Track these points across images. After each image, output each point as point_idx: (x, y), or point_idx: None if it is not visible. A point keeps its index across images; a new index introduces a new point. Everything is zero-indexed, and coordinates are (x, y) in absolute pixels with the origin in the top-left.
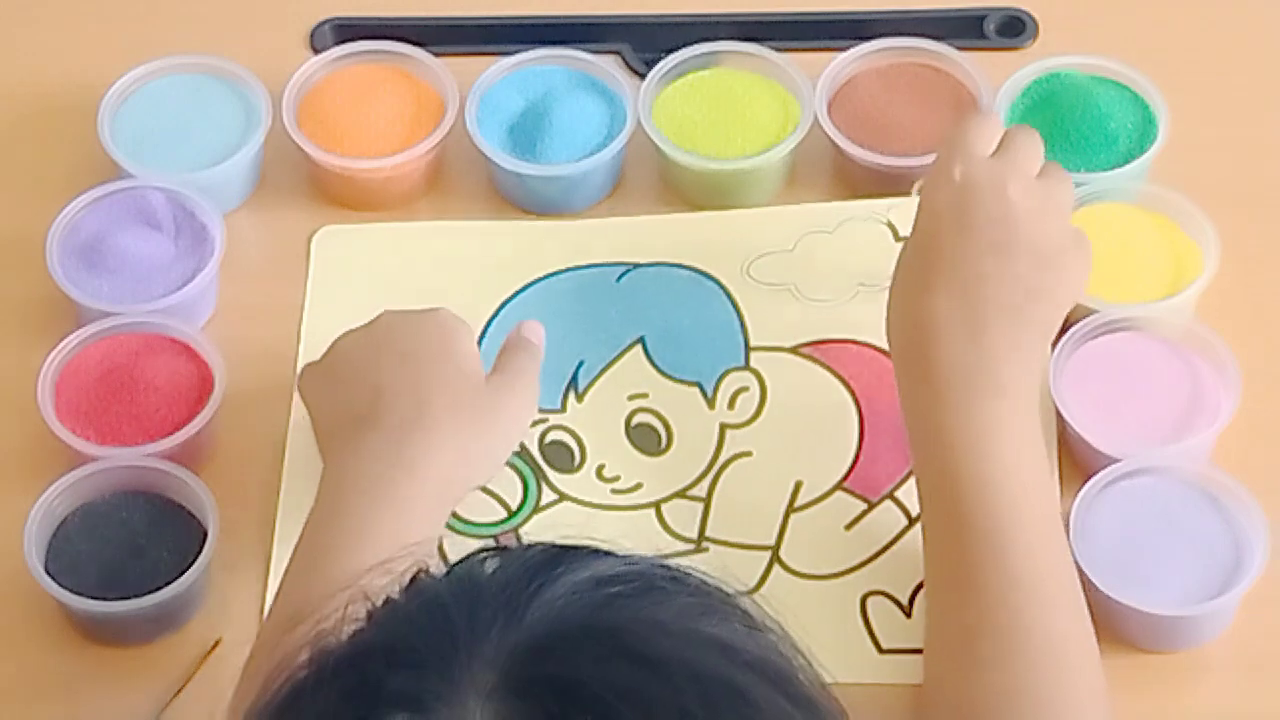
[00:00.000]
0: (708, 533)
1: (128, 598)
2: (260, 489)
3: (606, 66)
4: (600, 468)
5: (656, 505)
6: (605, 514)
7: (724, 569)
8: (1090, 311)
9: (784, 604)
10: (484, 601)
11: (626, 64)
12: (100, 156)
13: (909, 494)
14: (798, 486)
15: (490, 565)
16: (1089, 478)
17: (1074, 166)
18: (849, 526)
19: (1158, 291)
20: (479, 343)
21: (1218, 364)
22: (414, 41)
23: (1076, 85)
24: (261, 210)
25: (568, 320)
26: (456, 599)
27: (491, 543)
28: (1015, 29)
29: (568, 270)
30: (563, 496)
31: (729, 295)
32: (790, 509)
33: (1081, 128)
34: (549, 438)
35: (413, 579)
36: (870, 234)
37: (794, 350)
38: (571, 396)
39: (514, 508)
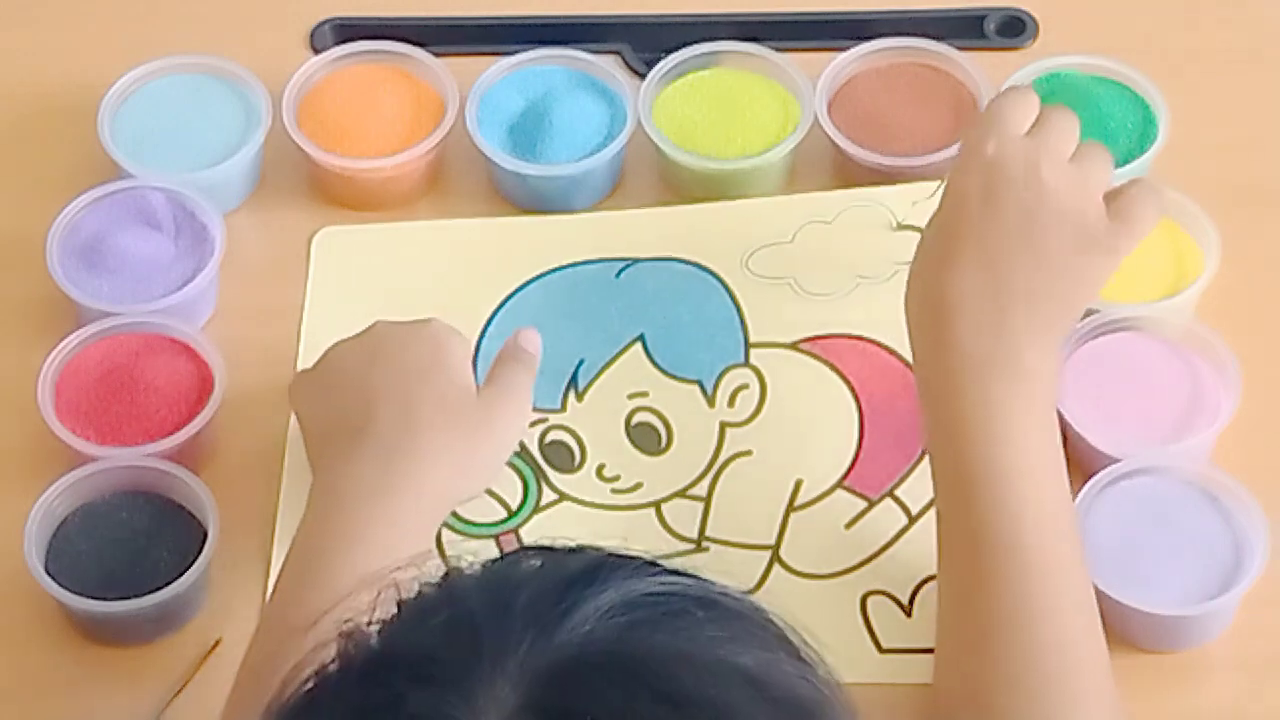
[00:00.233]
0: (708, 532)
1: (128, 598)
2: (260, 489)
3: (606, 66)
4: (600, 467)
5: (657, 505)
6: (605, 514)
7: (724, 569)
8: (1090, 311)
9: (784, 604)
10: (514, 615)
11: (626, 64)
12: (100, 156)
13: (909, 492)
14: (798, 485)
15: (528, 568)
16: (1089, 478)
17: None
18: (849, 525)
19: (1158, 291)
20: (479, 342)
21: (1218, 364)
22: (414, 41)
23: (1076, 85)
24: (261, 210)
25: (568, 318)
26: (486, 610)
27: (511, 542)
28: (1015, 29)
29: (568, 266)
30: (563, 496)
31: (728, 290)
32: (790, 508)
33: (1081, 128)
34: (549, 437)
35: (445, 575)
36: (870, 223)
37: (794, 346)
38: (572, 396)
39: (514, 508)
